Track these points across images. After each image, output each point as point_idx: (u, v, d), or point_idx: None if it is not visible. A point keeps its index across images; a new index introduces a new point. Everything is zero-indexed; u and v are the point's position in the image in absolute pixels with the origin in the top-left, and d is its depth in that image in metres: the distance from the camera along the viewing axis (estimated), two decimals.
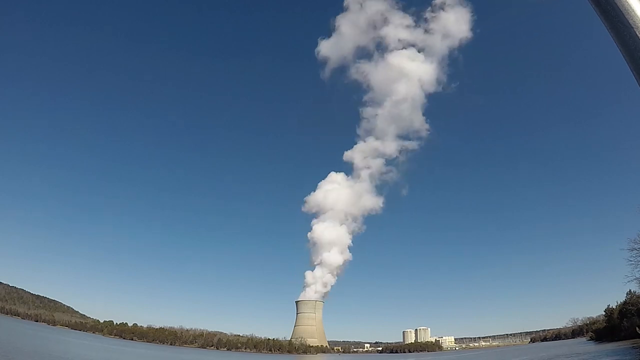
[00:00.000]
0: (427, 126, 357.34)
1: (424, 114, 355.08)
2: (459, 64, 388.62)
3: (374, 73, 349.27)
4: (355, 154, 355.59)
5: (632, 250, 79.64)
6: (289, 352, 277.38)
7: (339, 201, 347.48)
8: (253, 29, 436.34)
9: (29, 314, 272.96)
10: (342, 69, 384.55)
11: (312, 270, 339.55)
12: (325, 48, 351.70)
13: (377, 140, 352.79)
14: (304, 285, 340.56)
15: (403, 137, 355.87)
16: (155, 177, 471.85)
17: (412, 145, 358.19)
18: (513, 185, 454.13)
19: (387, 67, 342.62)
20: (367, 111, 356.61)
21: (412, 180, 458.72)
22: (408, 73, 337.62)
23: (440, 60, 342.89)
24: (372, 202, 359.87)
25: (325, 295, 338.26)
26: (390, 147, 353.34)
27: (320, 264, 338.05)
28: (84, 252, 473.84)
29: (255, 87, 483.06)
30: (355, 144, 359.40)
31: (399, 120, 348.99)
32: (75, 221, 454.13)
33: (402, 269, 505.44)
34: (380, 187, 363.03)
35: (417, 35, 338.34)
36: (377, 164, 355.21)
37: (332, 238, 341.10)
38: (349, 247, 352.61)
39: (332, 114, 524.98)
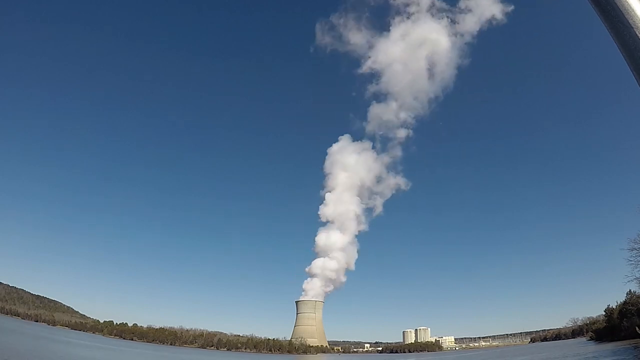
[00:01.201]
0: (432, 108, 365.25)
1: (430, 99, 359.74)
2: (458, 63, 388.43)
3: (381, 55, 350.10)
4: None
5: (632, 250, 79.54)
6: (289, 352, 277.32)
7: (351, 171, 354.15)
8: (253, 29, 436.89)
9: (29, 314, 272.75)
10: (344, 58, 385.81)
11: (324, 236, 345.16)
12: (326, 35, 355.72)
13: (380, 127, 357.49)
14: (316, 251, 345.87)
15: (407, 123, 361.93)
16: (155, 177, 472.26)
17: (425, 112, 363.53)
18: (513, 185, 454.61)
19: (393, 47, 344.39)
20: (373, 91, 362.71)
21: (412, 180, 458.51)
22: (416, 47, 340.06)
23: (441, 57, 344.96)
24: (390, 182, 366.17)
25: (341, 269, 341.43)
26: (401, 117, 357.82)
27: (335, 226, 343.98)
28: (84, 252, 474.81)
29: (255, 87, 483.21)
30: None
31: (405, 99, 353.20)
32: (75, 221, 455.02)
33: (402, 269, 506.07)
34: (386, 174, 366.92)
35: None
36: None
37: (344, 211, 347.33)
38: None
39: (333, 114, 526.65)
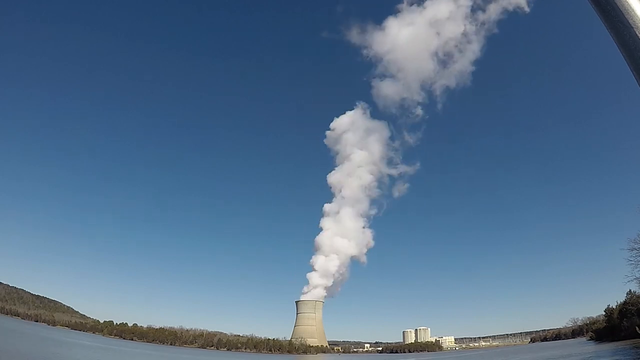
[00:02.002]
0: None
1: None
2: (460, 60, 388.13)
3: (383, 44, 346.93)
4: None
5: (632, 250, 79.76)
6: (289, 352, 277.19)
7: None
8: (253, 28, 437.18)
9: (29, 314, 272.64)
10: (348, 53, 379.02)
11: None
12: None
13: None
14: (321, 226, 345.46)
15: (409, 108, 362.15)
16: (155, 177, 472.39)
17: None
18: (513, 185, 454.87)
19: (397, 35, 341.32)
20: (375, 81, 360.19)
21: (412, 181, 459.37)
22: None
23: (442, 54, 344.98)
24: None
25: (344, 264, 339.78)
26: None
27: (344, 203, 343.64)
28: (84, 252, 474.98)
29: (255, 87, 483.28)
30: None
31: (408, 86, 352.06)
32: (75, 221, 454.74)
33: (402, 269, 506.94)
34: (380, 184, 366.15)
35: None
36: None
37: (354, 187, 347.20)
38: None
39: (334, 113, 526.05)
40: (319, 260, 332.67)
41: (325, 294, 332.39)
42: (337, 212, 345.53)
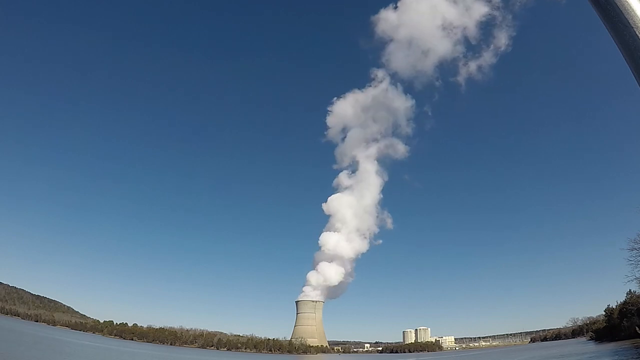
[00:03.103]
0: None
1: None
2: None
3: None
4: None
5: (632, 250, 79.54)
6: (289, 352, 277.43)
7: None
8: (254, 28, 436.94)
9: (29, 314, 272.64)
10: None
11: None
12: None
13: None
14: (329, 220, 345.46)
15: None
16: (155, 177, 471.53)
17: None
18: (513, 185, 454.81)
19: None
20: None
21: (412, 180, 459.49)
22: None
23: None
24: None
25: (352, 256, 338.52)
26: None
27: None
28: (84, 252, 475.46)
29: (256, 87, 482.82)
30: None
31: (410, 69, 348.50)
32: (75, 221, 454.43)
33: (402, 269, 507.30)
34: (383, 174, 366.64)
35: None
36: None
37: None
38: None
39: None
40: (330, 240, 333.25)
41: (344, 274, 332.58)
42: (347, 187, 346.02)
